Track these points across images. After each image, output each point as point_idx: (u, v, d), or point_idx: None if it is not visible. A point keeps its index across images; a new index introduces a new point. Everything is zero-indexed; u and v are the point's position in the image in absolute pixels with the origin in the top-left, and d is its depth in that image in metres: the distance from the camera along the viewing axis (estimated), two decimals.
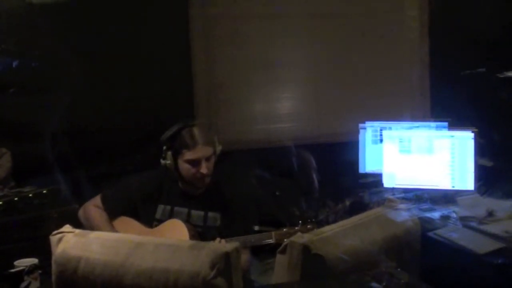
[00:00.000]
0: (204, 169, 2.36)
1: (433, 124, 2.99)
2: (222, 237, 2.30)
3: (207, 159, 2.38)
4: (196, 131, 2.39)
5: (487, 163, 2.96)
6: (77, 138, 3.08)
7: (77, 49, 3.09)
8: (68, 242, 1.77)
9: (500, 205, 2.63)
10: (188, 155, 2.36)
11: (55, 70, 3.15)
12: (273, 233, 2.31)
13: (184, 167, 2.39)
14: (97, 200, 2.48)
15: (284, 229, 2.33)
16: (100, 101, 3.21)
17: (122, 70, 3.25)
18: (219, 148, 2.45)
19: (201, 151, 2.36)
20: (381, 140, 2.97)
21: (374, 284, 1.69)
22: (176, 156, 2.39)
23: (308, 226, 2.33)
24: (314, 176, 3.39)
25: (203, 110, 3.52)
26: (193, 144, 2.36)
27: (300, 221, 2.36)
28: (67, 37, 3.11)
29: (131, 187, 2.51)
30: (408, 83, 3.82)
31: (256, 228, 2.35)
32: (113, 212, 2.45)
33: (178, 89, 3.43)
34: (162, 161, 2.41)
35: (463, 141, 2.75)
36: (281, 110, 3.72)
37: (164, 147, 2.40)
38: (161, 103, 3.30)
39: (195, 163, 2.37)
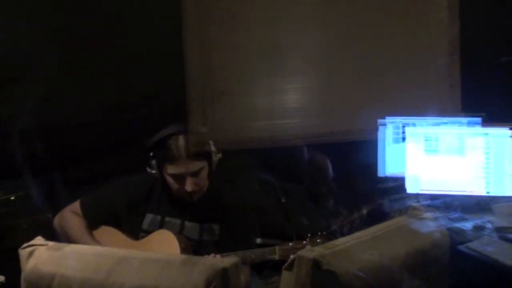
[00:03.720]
0: (188, 186, 2.34)
1: (464, 119, 2.99)
2: (219, 251, 2.29)
3: (194, 174, 2.36)
4: (182, 141, 2.36)
5: None
6: (52, 135, 3.08)
7: (53, 34, 3.09)
8: (40, 256, 1.78)
9: None
10: (171, 169, 2.36)
11: (27, 58, 3.15)
12: (277, 248, 2.31)
13: (169, 181, 2.38)
14: (76, 206, 2.49)
15: (290, 244, 2.32)
16: (78, 93, 3.21)
17: (103, 57, 3.24)
18: (217, 158, 2.43)
19: (184, 166, 2.34)
20: (403, 139, 2.97)
21: None
22: (160, 167, 2.38)
23: (318, 240, 2.32)
24: (327, 180, 3.38)
25: (197, 103, 3.52)
26: (176, 157, 2.34)
27: (308, 234, 2.35)
28: (43, 21, 3.11)
29: (115, 193, 2.51)
30: (435, 72, 3.81)
31: (259, 240, 2.34)
32: (94, 220, 2.45)
33: (168, 79, 3.42)
34: (148, 170, 2.41)
35: (500, 140, 2.74)
36: (287, 103, 3.71)
37: (150, 154, 2.39)
38: (149, 95, 3.30)
39: (178, 178, 2.35)
